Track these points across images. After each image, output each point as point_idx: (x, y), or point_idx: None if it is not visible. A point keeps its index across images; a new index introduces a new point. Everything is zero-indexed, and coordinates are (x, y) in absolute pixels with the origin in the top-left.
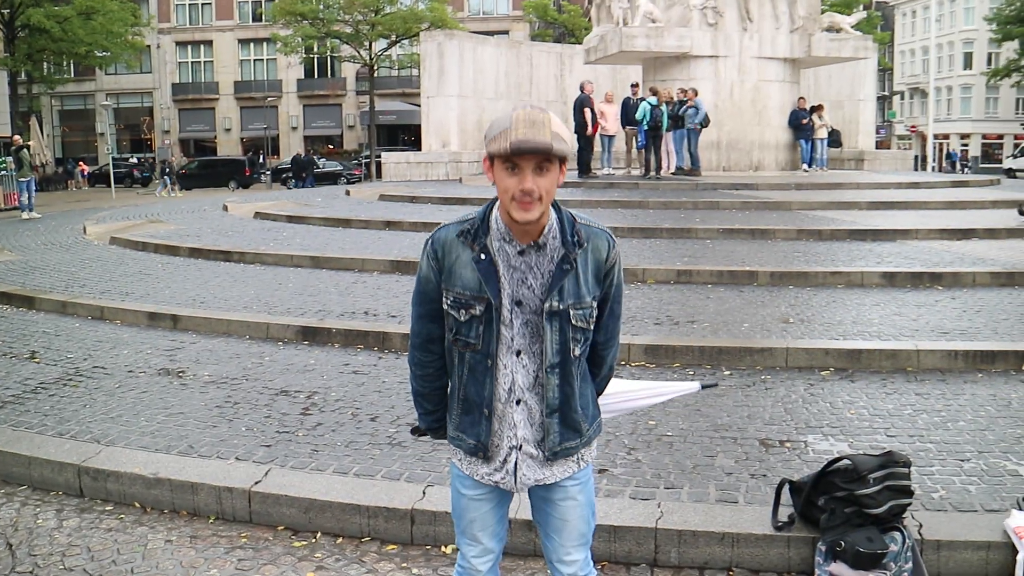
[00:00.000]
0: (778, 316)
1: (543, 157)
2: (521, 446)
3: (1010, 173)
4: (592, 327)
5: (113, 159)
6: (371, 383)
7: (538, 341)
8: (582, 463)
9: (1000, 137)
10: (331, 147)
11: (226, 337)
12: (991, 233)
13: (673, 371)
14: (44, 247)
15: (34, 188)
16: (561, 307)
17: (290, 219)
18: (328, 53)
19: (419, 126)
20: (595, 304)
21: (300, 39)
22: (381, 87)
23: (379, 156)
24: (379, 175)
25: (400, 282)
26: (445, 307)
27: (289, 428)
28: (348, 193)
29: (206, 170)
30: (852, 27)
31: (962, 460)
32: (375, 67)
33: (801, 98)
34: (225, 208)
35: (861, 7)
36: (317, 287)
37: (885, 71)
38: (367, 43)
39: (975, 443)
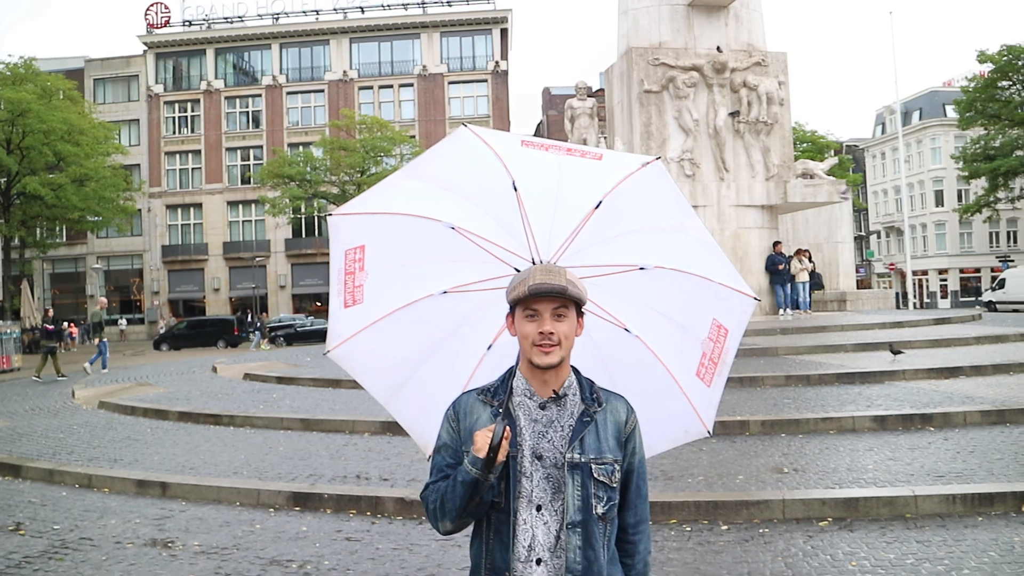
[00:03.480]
0: (772, 466)
1: (560, 302)
2: None
3: (990, 306)
4: (616, 487)
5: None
6: (364, 550)
7: (559, 497)
8: None
9: (977, 271)
10: (319, 304)
11: (216, 504)
12: (977, 370)
13: (669, 527)
14: (31, 412)
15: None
16: (583, 460)
17: (280, 380)
18: (315, 213)
19: None
20: (617, 466)
21: (287, 200)
22: None
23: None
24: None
25: (392, 444)
26: None
27: None
28: None
29: (195, 330)
30: (825, 172)
31: None
32: None
33: (777, 243)
34: (214, 369)
35: (832, 152)
36: (308, 450)
37: (860, 211)
38: None
39: None
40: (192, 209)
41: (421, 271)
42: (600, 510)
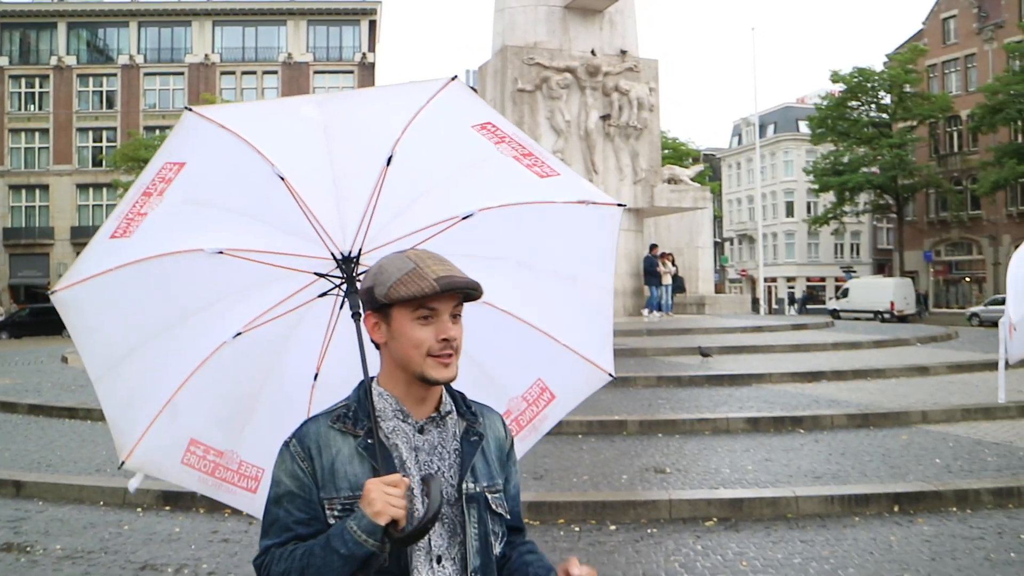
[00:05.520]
0: (653, 466)
1: (461, 299)
2: None
3: (835, 314)
4: (508, 517)
5: None
6: (244, 552)
7: (457, 542)
8: None
9: (822, 279)
10: None
11: (77, 504)
12: (838, 375)
13: (558, 527)
14: None
15: None
16: (477, 489)
17: None
18: None
19: None
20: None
21: None
22: None
23: None
24: None
25: None
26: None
27: None
28: None
29: (38, 318)
30: (691, 179)
31: None
32: None
33: (653, 245)
34: (64, 360)
35: (691, 160)
36: None
37: (715, 218)
38: None
39: None
40: (38, 190)
41: (197, 325)
42: (498, 549)
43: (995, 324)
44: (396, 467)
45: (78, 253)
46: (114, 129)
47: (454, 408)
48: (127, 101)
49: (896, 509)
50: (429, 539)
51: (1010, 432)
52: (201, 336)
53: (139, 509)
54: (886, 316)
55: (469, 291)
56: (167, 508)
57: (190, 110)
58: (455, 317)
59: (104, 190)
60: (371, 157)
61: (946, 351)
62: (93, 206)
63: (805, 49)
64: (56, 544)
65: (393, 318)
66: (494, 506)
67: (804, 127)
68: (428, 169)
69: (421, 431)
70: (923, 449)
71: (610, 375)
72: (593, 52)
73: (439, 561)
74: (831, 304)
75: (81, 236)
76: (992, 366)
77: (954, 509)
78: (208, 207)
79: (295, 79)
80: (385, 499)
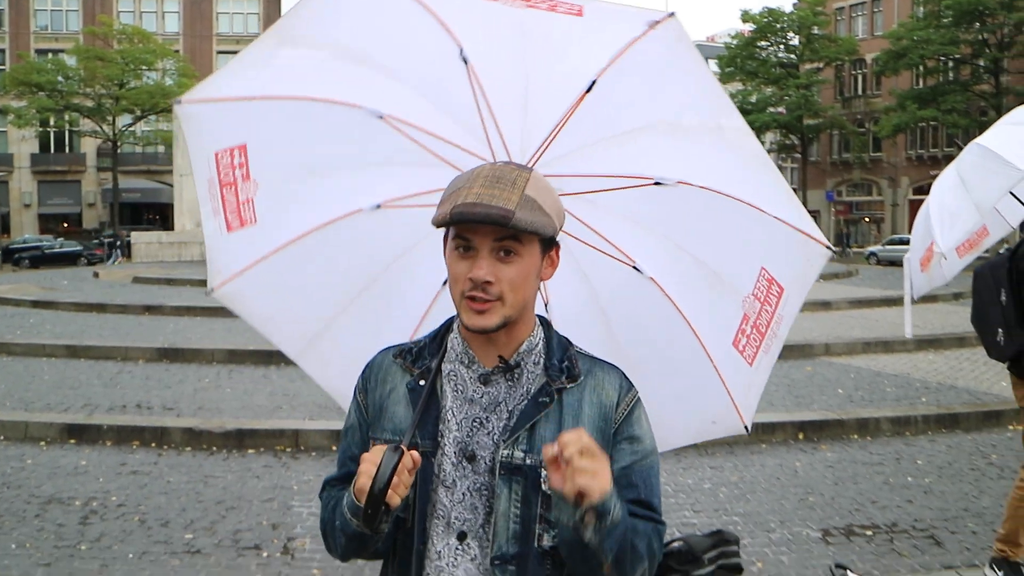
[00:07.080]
0: None
1: (505, 233)
2: None
3: None
4: None
5: None
6: (154, 484)
7: (492, 519)
8: None
9: None
10: (67, 225)
11: None
12: None
13: None
14: None
15: None
16: (527, 461)
17: (36, 304)
18: (66, 127)
19: (166, 205)
20: None
21: (35, 111)
22: (125, 163)
23: (127, 235)
24: (125, 255)
25: (170, 371)
26: None
27: (68, 541)
28: (97, 275)
29: None
30: None
31: (768, 531)
32: (119, 143)
33: None
34: None
35: None
36: (77, 379)
37: None
38: (110, 118)
39: (776, 512)
40: None
41: (339, 178)
42: (546, 542)
43: (893, 263)
44: (436, 414)
45: None
46: (2, 51)
47: (542, 360)
48: (16, 21)
49: (801, 436)
50: (451, 508)
51: (907, 364)
52: (338, 193)
53: (42, 443)
54: None
55: (494, 223)
56: (72, 441)
57: None
58: (506, 254)
59: None
60: (570, 78)
61: (848, 287)
62: None
63: None
64: None
65: (447, 245)
66: (546, 487)
67: (714, 65)
68: (630, 113)
69: (486, 381)
70: (826, 380)
71: (828, 247)
72: None
73: (462, 538)
74: None
75: None
76: (890, 302)
77: (855, 436)
78: (367, 65)
79: (197, 3)
80: (369, 475)
